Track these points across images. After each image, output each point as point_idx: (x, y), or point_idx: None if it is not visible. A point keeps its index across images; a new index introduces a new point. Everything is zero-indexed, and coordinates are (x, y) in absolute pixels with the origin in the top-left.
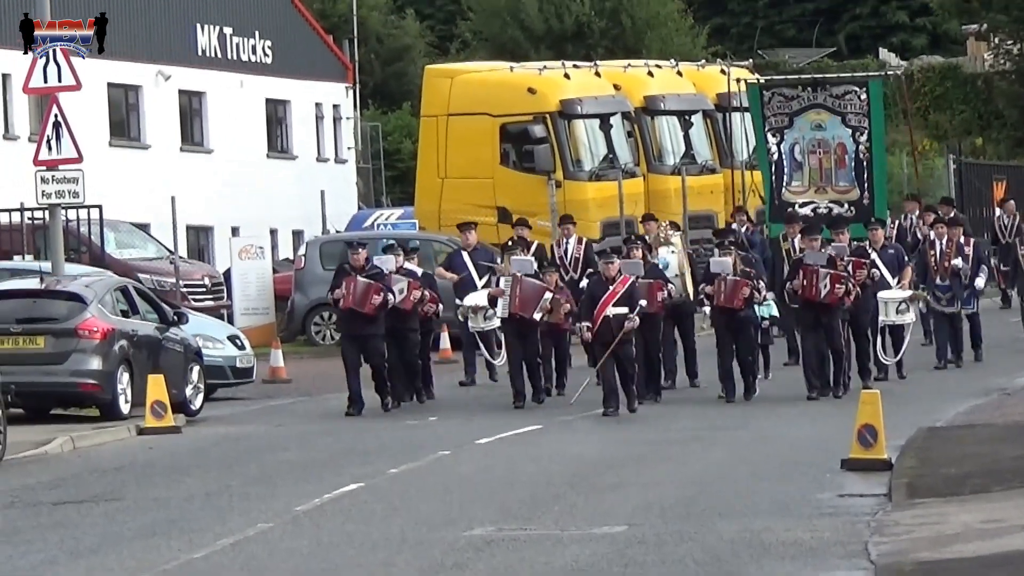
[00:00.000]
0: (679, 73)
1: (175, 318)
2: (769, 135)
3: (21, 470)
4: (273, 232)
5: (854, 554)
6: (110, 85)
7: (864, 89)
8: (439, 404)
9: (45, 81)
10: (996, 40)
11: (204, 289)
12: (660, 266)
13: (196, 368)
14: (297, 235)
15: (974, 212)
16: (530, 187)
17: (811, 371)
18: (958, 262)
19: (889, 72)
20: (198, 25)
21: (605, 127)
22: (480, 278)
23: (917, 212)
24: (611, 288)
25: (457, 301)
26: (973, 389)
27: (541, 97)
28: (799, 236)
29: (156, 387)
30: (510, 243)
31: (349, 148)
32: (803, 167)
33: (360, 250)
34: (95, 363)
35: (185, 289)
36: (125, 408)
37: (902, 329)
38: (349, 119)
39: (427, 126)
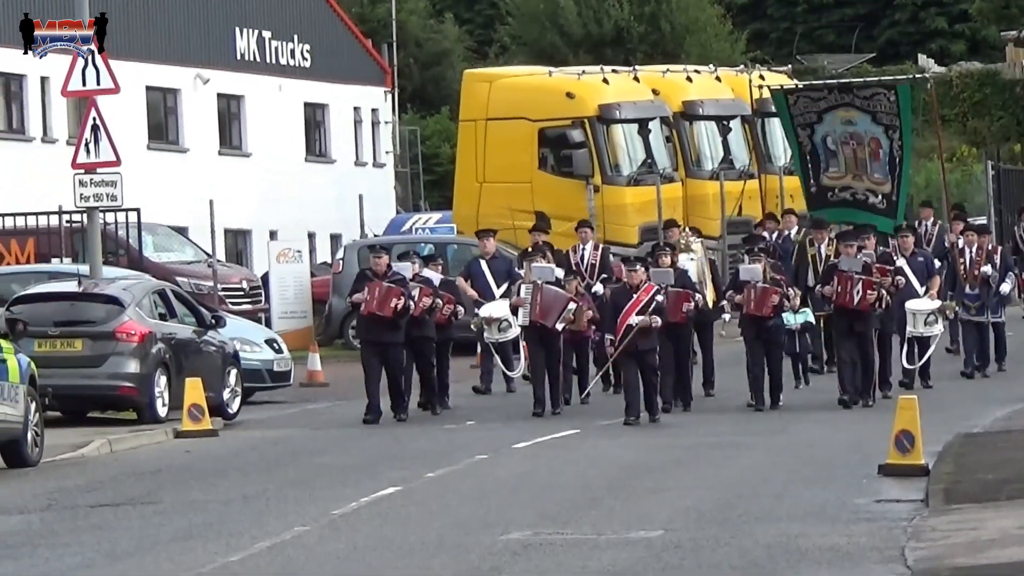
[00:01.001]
0: (717, 78)
1: (212, 321)
2: (799, 130)
3: (58, 472)
4: (311, 236)
5: (891, 559)
6: (148, 88)
7: (892, 92)
8: (475, 409)
9: (84, 84)
10: None
11: (242, 293)
12: None
13: (234, 372)
14: (335, 239)
15: (1012, 218)
16: (568, 192)
17: (846, 378)
18: (987, 269)
19: (918, 77)
20: (237, 29)
21: (643, 132)
22: (498, 287)
23: (932, 219)
24: (635, 297)
25: (475, 311)
26: (1010, 395)
27: (580, 102)
28: (826, 242)
29: (193, 390)
30: (530, 249)
31: (387, 152)
32: (838, 156)
33: (383, 255)
34: (132, 366)
35: (223, 292)
36: (162, 411)
37: (929, 340)
38: (388, 123)
39: (465, 130)
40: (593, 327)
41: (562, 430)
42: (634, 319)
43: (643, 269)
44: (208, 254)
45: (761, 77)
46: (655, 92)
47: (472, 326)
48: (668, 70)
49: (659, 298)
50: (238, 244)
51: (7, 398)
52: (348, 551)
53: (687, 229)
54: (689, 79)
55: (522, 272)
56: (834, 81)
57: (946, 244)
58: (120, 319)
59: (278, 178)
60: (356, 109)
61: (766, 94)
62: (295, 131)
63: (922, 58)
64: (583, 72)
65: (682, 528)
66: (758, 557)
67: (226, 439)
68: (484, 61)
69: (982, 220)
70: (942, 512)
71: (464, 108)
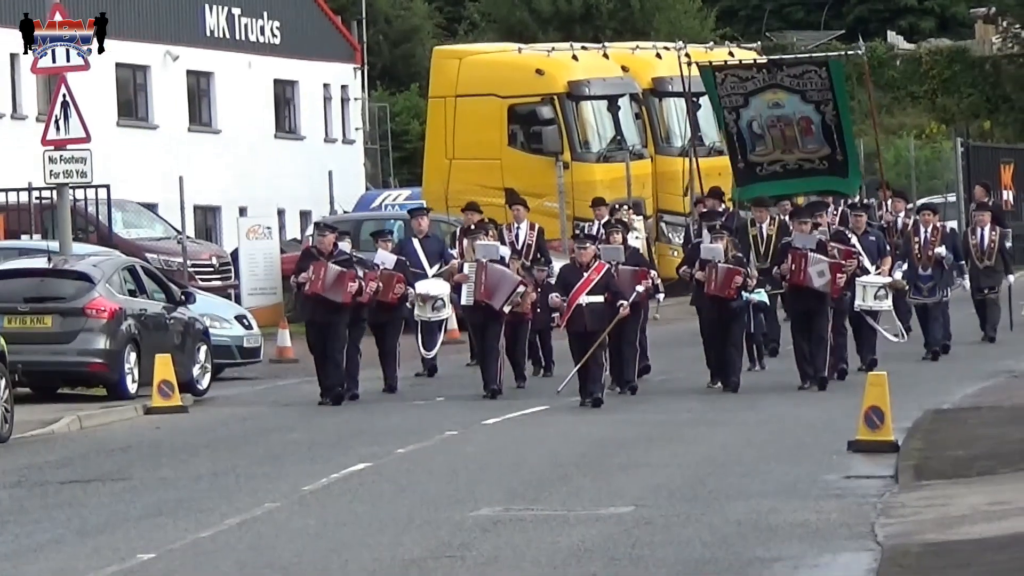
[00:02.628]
0: (687, 55)
1: (182, 298)
2: (725, 113)
3: (28, 449)
4: (281, 212)
5: (861, 535)
6: (118, 65)
7: (824, 68)
8: (447, 384)
9: (53, 61)
10: (1004, 23)
11: (211, 269)
12: None
13: (203, 348)
14: (305, 215)
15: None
16: (538, 168)
17: (803, 360)
18: (941, 250)
19: (850, 52)
20: (207, 5)
21: (613, 109)
22: (431, 266)
23: (904, 211)
24: (586, 275)
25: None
26: (980, 372)
27: (549, 78)
28: (767, 221)
29: (163, 367)
30: (472, 227)
31: (357, 129)
32: (764, 137)
33: (328, 233)
34: (102, 342)
35: (192, 269)
36: (132, 388)
37: (877, 315)
38: (357, 100)
39: (435, 107)
40: (538, 309)
41: (532, 407)
42: (584, 299)
43: (593, 246)
44: (178, 231)
45: (687, 55)
46: (625, 69)
47: (408, 302)
48: (638, 47)
49: (613, 278)
50: (208, 220)
51: None
52: (318, 527)
53: (627, 207)
54: (659, 56)
55: (454, 252)
56: (764, 59)
57: (883, 222)
58: (90, 295)
59: (248, 155)
60: (326, 86)
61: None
62: (265, 108)
63: (891, 35)
64: (552, 49)
65: (653, 504)
66: (729, 533)
67: (196, 415)
68: (453, 38)
69: (951, 197)
70: (912, 488)
71: (433, 85)
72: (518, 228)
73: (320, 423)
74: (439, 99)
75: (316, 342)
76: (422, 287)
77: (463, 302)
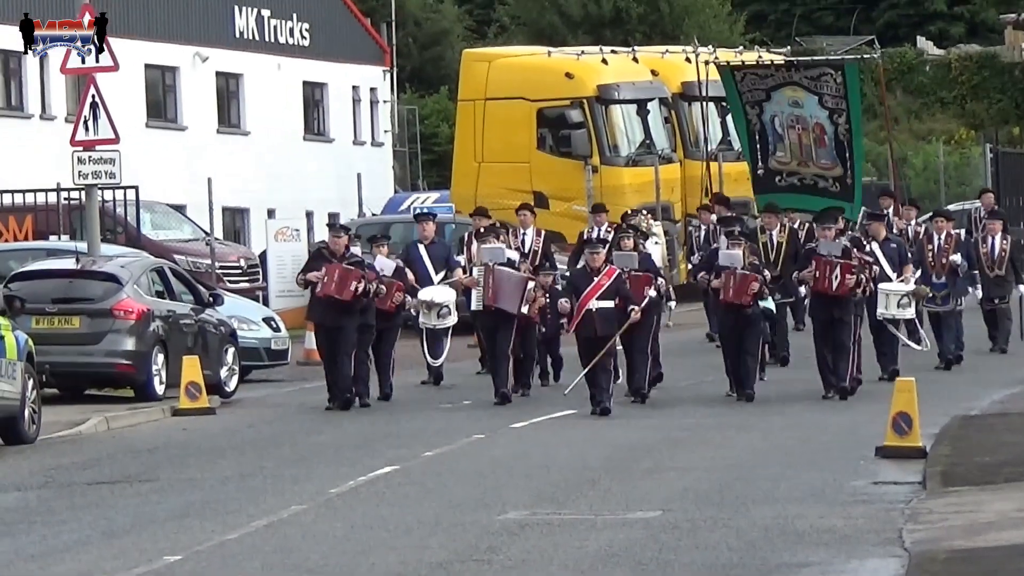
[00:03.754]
0: (716, 59)
1: (210, 299)
2: (748, 108)
3: (55, 450)
4: (309, 215)
5: (888, 542)
6: (147, 66)
7: (839, 72)
8: (472, 389)
9: (83, 62)
10: None
11: (239, 271)
12: None
13: (231, 350)
14: (333, 218)
15: (1011, 202)
16: (566, 172)
17: (827, 368)
18: (956, 258)
19: (865, 56)
20: (236, 7)
21: (642, 112)
22: (436, 272)
23: (892, 208)
24: (596, 280)
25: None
26: (1008, 378)
27: (578, 82)
28: (777, 228)
29: (191, 368)
30: (481, 230)
31: (386, 131)
32: (784, 140)
33: (342, 234)
34: (130, 344)
35: (220, 271)
36: (160, 389)
37: (899, 323)
38: (386, 102)
39: (464, 110)
40: (548, 314)
41: (559, 410)
42: (594, 304)
43: (605, 251)
44: (206, 232)
45: (688, 60)
46: (654, 73)
47: (410, 308)
48: (667, 51)
49: (623, 284)
50: (236, 222)
51: (4, 375)
52: (345, 530)
53: (647, 213)
54: (688, 60)
55: (461, 259)
56: (781, 60)
57: (896, 232)
58: (118, 296)
59: (276, 156)
60: (355, 88)
61: (713, 74)
62: (294, 110)
63: (921, 40)
64: (582, 52)
65: (679, 509)
66: (755, 539)
67: (223, 417)
68: (483, 41)
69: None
70: (940, 494)
71: (463, 88)
72: (524, 234)
73: (347, 426)
74: (468, 102)
75: (325, 345)
76: (427, 294)
77: (473, 307)
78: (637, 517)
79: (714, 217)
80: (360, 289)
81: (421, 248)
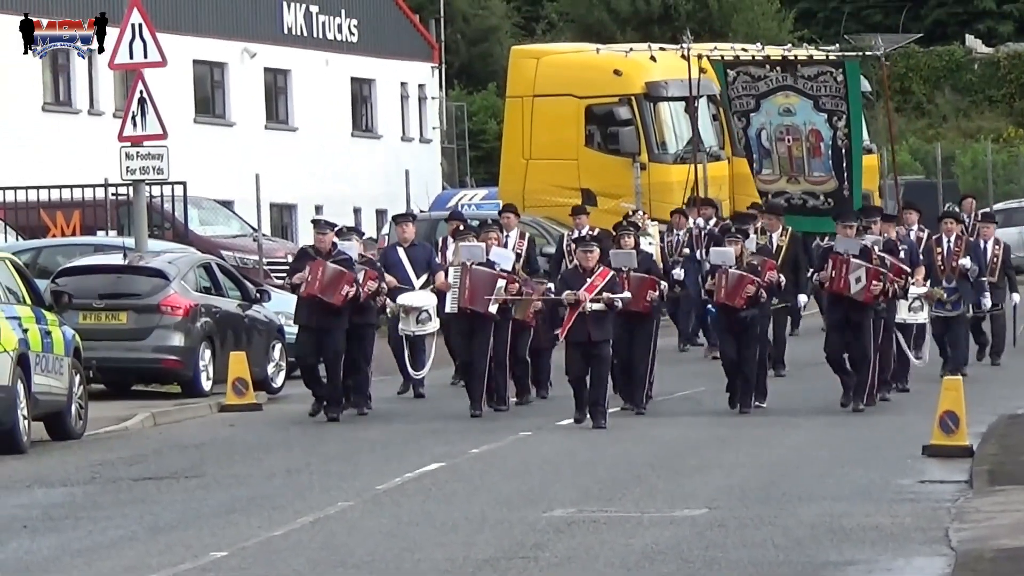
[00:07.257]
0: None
1: (258, 295)
2: (735, 118)
3: (102, 446)
4: (357, 211)
5: (934, 540)
6: (195, 62)
7: (840, 70)
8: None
9: (131, 57)
10: None
11: (287, 267)
12: None
13: (278, 346)
14: (381, 214)
15: None
16: (614, 169)
17: (841, 371)
18: (966, 262)
19: (868, 53)
20: (284, 3)
21: (691, 110)
22: (417, 277)
23: (917, 223)
24: (589, 281)
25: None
26: None
27: (627, 79)
28: (779, 231)
29: (238, 364)
30: (460, 229)
31: (434, 128)
32: (772, 155)
33: (327, 231)
34: (177, 339)
35: (268, 267)
36: (207, 385)
37: (911, 328)
38: (434, 99)
39: (512, 107)
40: (541, 317)
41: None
42: (587, 306)
43: (598, 250)
44: (254, 228)
45: (683, 56)
46: (702, 70)
47: (388, 313)
48: (716, 48)
49: (618, 285)
50: (283, 218)
51: (52, 370)
52: (392, 526)
53: (641, 212)
54: (737, 57)
55: (441, 261)
56: (778, 56)
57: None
58: (165, 292)
59: (324, 153)
60: (403, 84)
61: (703, 72)
62: (342, 106)
63: (970, 39)
64: (631, 49)
65: (725, 506)
66: (801, 536)
67: (270, 413)
68: (531, 37)
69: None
70: (986, 493)
71: (511, 84)
72: (507, 236)
73: (393, 422)
74: (516, 99)
75: (310, 348)
76: (405, 299)
77: (447, 309)
78: (683, 515)
79: (700, 221)
80: (352, 294)
81: (400, 251)
